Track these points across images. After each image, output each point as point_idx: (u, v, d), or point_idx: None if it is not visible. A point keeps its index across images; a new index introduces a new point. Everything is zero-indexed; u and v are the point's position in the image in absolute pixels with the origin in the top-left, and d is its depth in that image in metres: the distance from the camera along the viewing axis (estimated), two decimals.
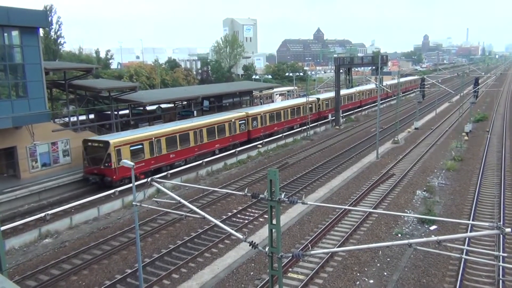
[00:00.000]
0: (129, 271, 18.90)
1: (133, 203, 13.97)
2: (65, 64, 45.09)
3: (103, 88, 38.53)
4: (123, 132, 34.71)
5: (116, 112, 39.01)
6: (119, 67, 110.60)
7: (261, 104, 64.08)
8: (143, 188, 27.48)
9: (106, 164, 29.44)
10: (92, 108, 42.47)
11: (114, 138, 30.85)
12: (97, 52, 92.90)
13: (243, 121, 44.03)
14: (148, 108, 44.41)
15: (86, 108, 42.45)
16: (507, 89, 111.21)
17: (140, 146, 31.66)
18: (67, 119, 38.10)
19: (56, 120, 38.54)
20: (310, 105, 55.69)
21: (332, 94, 63.05)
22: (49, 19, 66.35)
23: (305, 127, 52.36)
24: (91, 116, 43.79)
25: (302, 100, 56.63)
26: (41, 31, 35.69)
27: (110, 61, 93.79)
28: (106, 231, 23.86)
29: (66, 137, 33.21)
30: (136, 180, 30.20)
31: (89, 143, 30.79)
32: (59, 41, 73.07)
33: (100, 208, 26.51)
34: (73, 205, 26.48)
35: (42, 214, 24.58)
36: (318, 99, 60.55)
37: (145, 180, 30.55)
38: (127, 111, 44.21)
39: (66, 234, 23.58)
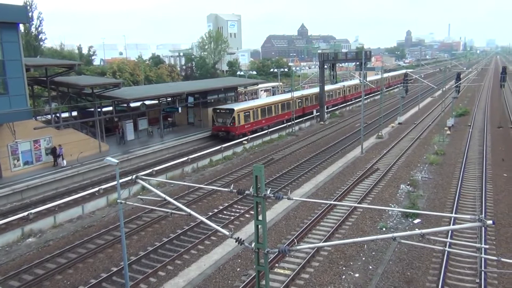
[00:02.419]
0: (115, 269, 18.74)
1: (118, 200, 13.83)
2: (47, 61, 44.24)
3: (85, 85, 37.94)
4: (238, 103, 51.17)
5: (99, 109, 38.51)
6: (102, 63, 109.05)
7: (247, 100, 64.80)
8: (129, 185, 27.53)
9: (231, 124, 43.86)
10: (75, 105, 41.88)
11: (236, 107, 45.56)
12: (79, 48, 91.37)
13: (300, 100, 57.75)
14: (132, 104, 43.97)
15: (68, 105, 41.83)
16: (488, 84, 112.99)
17: (248, 113, 46.42)
18: (49, 116, 37.53)
19: (38, 117, 37.90)
20: (338, 91, 71.09)
21: (355, 81, 75.48)
22: (30, 14, 65.06)
23: (289, 123, 52.94)
24: (74, 113, 43.18)
25: (335, 86, 70.14)
26: (21, 27, 35.06)
27: (93, 57, 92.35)
28: (91, 230, 23.60)
29: (49, 134, 32.77)
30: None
31: (218, 110, 45.29)
32: (40, 37, 71.66)
33: (84, 207, 26.17)
34: (57, 204, 26.17)
35: (25, 213, 24.22)
36: (344, 85, 73.96)
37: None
38: (110, 108, 43.74)
39: (50, 233, 23.26)
